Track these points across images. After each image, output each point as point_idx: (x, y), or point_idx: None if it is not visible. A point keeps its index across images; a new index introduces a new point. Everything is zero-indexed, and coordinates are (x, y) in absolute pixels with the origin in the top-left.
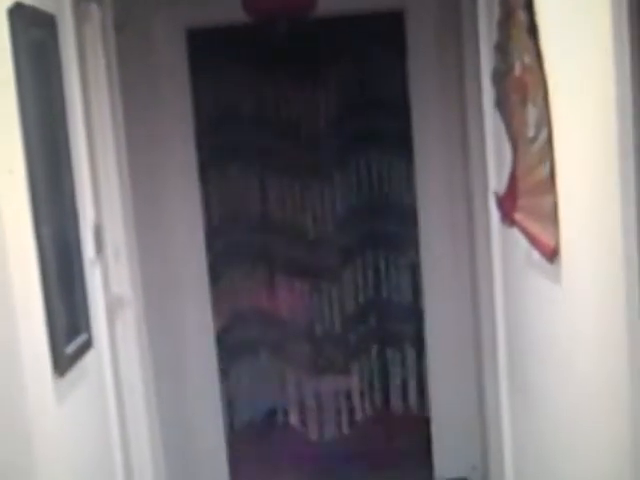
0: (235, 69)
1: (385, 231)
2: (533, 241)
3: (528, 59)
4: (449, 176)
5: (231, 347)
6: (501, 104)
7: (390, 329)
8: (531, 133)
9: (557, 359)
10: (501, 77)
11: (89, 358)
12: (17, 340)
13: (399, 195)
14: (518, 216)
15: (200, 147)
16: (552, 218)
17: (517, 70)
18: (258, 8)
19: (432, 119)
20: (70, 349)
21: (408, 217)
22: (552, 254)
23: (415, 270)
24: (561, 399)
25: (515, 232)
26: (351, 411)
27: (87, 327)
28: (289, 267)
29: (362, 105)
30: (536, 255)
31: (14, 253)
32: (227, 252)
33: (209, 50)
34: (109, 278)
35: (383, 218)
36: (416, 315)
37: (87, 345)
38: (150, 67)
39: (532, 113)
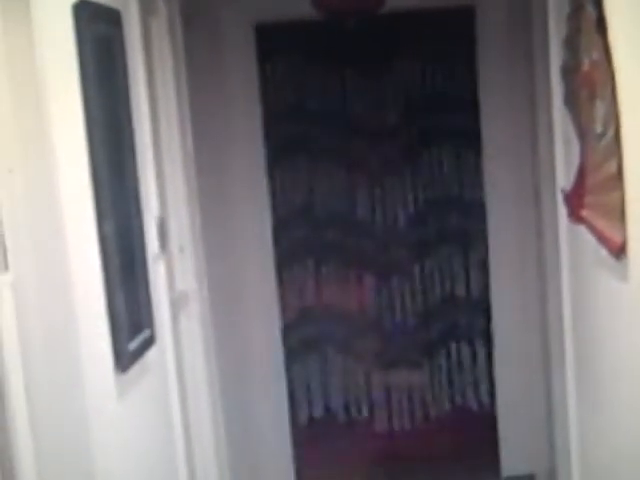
0: (303, 65)
1: (454, 227)
2: (600, 238)
3: (596, 54)
4: (517, 172)
5: (298, 343)
6: (570, 100)
7: (458, 324)
8: (599, 129)
9: (625, 359)
10: (570, 72)
11: (152, 354)
12: (78, 337)
13: (468, 191)
14: (585, 212)
15: (268, 143)
16: (619, 214)
17: (585, 65)
18: (327, 4)
19: (501, 115)
20: (133, 345)
21: (477, 213)
22: (619, 250)
23: (484, 265)
24: (630, 399)
25: (583, 229)
26: (419, 407)
27: (150, 323)
28: (358, 263)
29: (431, 101)
30: (604, 252)
31: (76, 249)
32: (294, 247)
33: (277, 45)
34: (173, 273)
35: (452, 214)
36: (485, 311)
37: (150, 341)
38: (218, 62)
39: (600, 109)
